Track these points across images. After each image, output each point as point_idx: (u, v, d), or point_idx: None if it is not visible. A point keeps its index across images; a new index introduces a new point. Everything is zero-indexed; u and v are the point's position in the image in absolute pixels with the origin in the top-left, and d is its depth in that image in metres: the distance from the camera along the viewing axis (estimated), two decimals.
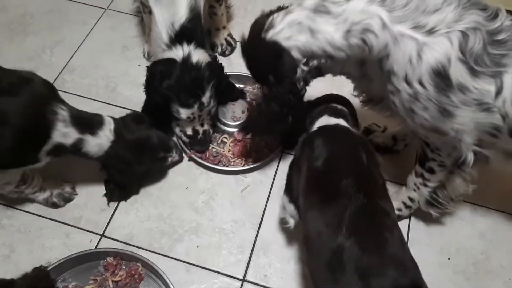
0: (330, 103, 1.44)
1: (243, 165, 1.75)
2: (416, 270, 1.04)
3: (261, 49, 1.31)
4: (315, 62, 1.27)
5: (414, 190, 1.52)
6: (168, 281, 1.43)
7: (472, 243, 1.61)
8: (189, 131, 1.71)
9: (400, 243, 1.08)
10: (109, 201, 1.65)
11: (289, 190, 1.37)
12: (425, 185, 1.47)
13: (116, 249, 1.51)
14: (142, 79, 1.67)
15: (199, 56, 1.58)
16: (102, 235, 1.59)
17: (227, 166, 1.75)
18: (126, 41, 2.14)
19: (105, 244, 1.56)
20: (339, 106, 1.44)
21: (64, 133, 1.39)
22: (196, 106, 1.60)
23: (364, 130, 1.81)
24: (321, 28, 1.22)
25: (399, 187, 1.63)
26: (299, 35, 1.23)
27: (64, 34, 2.15)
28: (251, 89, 1.94)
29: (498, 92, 1.15)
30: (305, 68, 1.28)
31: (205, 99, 1.60)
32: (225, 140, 1.81)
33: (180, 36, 1.56)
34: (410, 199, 1.57)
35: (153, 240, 1.58)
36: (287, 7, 1.31)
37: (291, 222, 1.40)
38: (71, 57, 2.06)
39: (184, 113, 1.60)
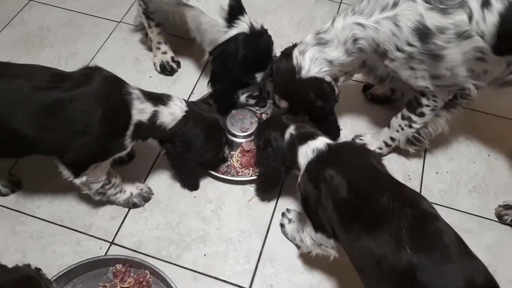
0: (276, 129, 1.45)
1: (251, 175, 1.77)
2: (482, 264, 1.05)
3: (302, 86, 1.57)
4: (341, 79, 1.61)
5: (397, 131, 1.71)
6: None
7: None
8: (257, 92, 1.88)
9: (459, 242, 1.07)
10: (191, 189, 1.74)
11: (321, 227, 1.31)
12: (410, 126, 1.66)
13: (125, 256, 1.54)
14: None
15: (255, 23, 1.72)
16: (112, 243, 1.62)
17: (235, 176, 1.77)
18: (138, 53, 2.20)
19: (115, 251, 1.59)
20: (297, 125, 1.42)
21: (141, 109, 1.43)
22: (268, 67, 1.76)
23: (365, 84, 2.02)
24: (331, 55, 1.51)
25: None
26: (324, 67, 1.54)
27: (78, 47, 2.22)
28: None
29: (470, 17, 1.32)
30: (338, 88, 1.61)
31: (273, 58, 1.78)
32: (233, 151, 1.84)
33: (232, 14, 1.68)
34: (392, 138, 1.76)
35: (162, 248, 1.60)
36: (294, 45, 1.62)
37: (334, 253, 1.36)
38: None
39: (259, 76, 1.78)
